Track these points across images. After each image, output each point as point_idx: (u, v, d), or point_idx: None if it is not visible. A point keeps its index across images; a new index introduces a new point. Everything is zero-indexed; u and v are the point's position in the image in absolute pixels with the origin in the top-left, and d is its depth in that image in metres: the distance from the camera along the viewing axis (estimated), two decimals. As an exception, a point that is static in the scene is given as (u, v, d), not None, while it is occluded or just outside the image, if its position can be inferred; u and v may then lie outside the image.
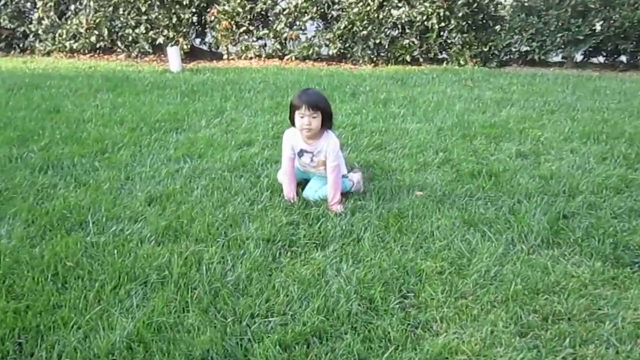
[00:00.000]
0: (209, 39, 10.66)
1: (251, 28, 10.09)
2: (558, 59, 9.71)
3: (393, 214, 3.24)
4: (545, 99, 6.35)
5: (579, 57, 9.65)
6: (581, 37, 9.14)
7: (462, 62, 9.37)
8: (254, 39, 10.17)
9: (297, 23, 9.91)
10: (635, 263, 2.81)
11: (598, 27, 9.19)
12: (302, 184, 3.63)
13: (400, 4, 9.46)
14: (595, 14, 9.08)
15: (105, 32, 10.29)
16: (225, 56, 10.22)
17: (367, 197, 3.49)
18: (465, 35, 9.42)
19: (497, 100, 6.27)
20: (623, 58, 9.52)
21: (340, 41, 9.70)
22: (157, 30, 10.17)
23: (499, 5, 9.73)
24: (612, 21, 8.96)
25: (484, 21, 9.69)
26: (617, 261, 2.82)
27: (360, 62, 9.66)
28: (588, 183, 3.76)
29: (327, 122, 3.43)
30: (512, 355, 2.14)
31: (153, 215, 3.19)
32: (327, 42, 9.82)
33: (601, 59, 9.69)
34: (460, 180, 3.82)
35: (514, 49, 9.59)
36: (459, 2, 9.25)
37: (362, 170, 3.80)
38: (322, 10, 9.80)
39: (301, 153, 3.51)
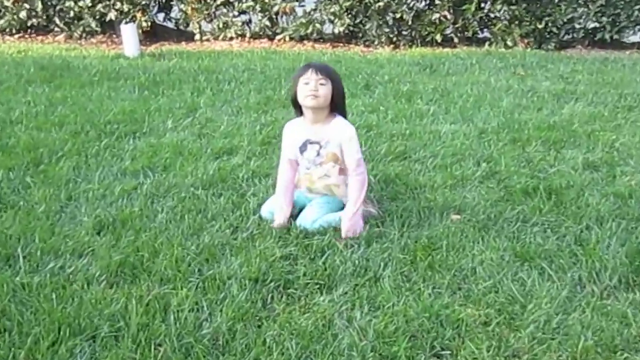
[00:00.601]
0: (175, 13, 10.71)
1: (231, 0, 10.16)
2: (636, 38, 9.74)
3: (421, 245, 3.24)
4: (620, 92, 6.39)
5: (665, 36, 9.72)
6: (667, 10, 9.22)
7: (509, 43, 9.40)
8: (235, 13, 10.23)
9: (293, -8, 10.00)
10: None
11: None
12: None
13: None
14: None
15: (39, 5, 10.35)
16: (197, 36, 10.26)
17: (386, 222, 3.50)
18: (513, 7, 9.48)
19: (557, 93, 6.31)
20: None
21: (349, 16, 9.75)
22: (108, 2, 10.23)
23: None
24: None
25: (539, -11, 9.76)
26: None
27: (376, 43, 9.70)
28: (681, 204, 3.78)
29: (338, 100, 3.51)
30: None
31: (104, 248, 3.19)
32: (332, 18, 9.86)
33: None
34: (510, 199, 3.83)
35: (577, 26, 9.63)
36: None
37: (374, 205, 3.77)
38: (326, -26, 9.89)
39: (304, 147, 3.55)
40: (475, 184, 4.06)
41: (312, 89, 3.39)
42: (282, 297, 2.84)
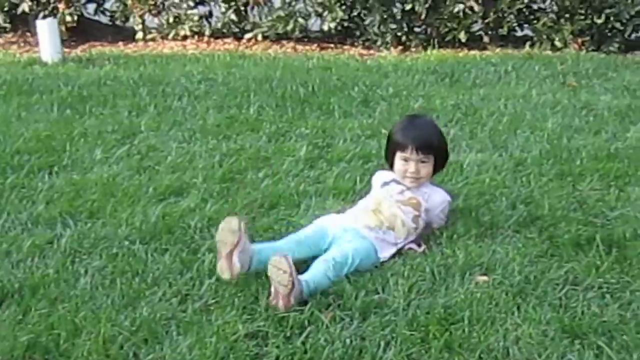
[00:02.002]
0: (111, 4, 10.77)
1: (185, -13, 10.26)
2: None
3: (436, 317, 3.24)
4: None
5: None
6: None
7: (558, 44, 9.49)
8: (191, 4, 10.30)
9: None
10: None
11: None
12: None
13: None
14: None
15: None
16: (139, 35, 10.33)
17: (389, 286, 3.50)
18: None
19: (621, 111, 6.34)
20: None
21: (344, 8, 9.83)
22: (20, -10, 10.31)
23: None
24: None
25: (596, -27, 9.88)
26: None
27: (379, 43, 9.78)
28: None
29: (440, 167, 4.21)
30: None
31: (7, 324, 3.17)
32: (320, 10, 9.95)
33: None
34: (557, 254, 3.83)
35: (648, 22, 9.75)
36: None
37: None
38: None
39: (388, 183, 4.13)
40: (509, 234, 4.06)
41: (412, 172, 4.02)
42: (247, 391, 2.85)
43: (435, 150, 4.08)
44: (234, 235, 3.44)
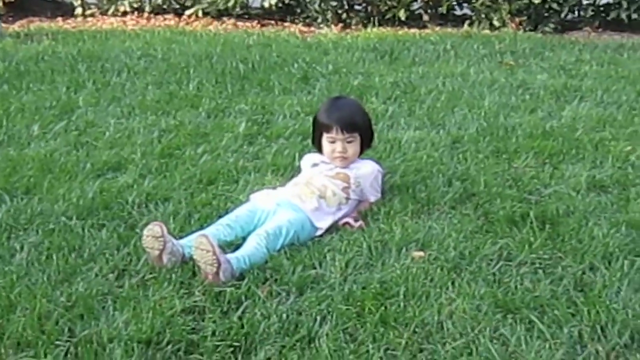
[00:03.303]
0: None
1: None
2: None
3: (371, 292, 3.25)
4: (638, 89, 6.51)
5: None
6: None
7: (496, 23, 9.56)
8: (130, -21, 10.21)
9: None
10: None
11: None
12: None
13: None
14: None
15: None
16: (78, 10, 10.22)
17: (325, 262, 3.51)
18: (502, -24, 9.67)
19: (557, 89, 6.41)
20: None
21: (284, -15, 9.82)
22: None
23: None
24: None
25: (534, -47, 9.94)
26: None
27: (319, 20, 9.78)
28: None
29: (366, 145, 4.24)
30: None
31: (-60, 301, 3.13)
32: (261, -13, 9.93)
33: None
34: (491, 230, 3.87)
35: (585, 2, 9.84)
36: None
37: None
38: None
39: (317, 164, 4.22)
40: (445, 210, 4.09)
41: (340, 152, 4.08)
42: (184, 366, 2.84)
43: (360, 129, 4.14)
44: (158, 241, 3.40)
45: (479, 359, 2.88)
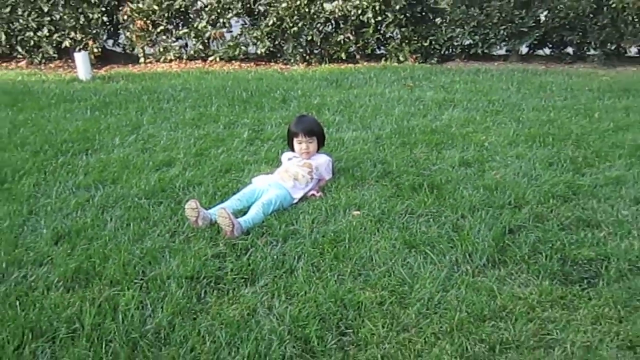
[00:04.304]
0: (122, 40, 10.46)
1: (169, 27, 9.99)
2: (502, 52, 10.00)
3: (329, 239, 3.26)
4: (489, 98, 6.53)
5: (524, 49, 9.97)
6: (525, 29, 9.46)
7: (401, 59, 9.53)
8: (173, 39, 10.07)
9: (221, 20, 9.86)
10: (584, 279, 2.93)
11: (542, 18, 9.55)
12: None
13: (332, -3, 9.58)
14: (539, 4, 9.42)
15: (2, 36, 9.97)
16: (141, 59, 10.05)
17: (299, 220, 3.50)
18: (403, 29, 9.60)
19: (439, 101, 6.40)
20: (569, 50, 9.89)
21: (269, 39, 9.70)
22: (63, 32, 9.92)
23: (439, -3, 9.97)
24: (556, 11, 9.31)
25: (424, 14, 9.88)
26: (565, 278, 2.93)
27: (292, 61, 9.69)
28: (534, 192, 3.89)
29: (322, 144, 4.24)
30: (459, 393, 2.19)
31: (61, 256, 3.10)
32: (255, 41, 9.82)
33: (547, 51, 10.04)
34: (401, 195, 3.87)
35: (456, 43, 9.81)
36: (396, -6, 9.42)
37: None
38: (248, 5, 9.79)
39: (292, 158, 4.12)
40: (372, 183, 4.08)
41: (304, 149, 4.07)
42: (213, 291, 2.82)
43: (317, 134, 4.15)
44: (194, 212, 3.38)
45: (395, 279, 2.90)
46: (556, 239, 3.28)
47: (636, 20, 9.19)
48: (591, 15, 9.34)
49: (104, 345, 2.41)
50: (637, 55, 9.80)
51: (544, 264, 3.03)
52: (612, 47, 9.61)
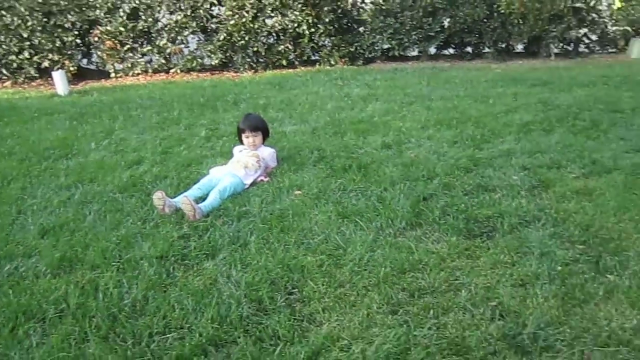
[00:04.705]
0: (95, 58, 10.13)
1: (135, 45, 9.73)
2: (415, 53, 10.11)
3: (275, 216, 3.25)
4: (405, 92, 6.59)
5: (432, 50, 10.10)
6: (433, 34, 9.60)
7: (332, 63, 9.53)
8: (139, 55, 9.80)
9: (179, 38, 9.66)
10: (483, 233, 3.01)
11: (446, 24, 9.69)
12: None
13: (272, 14, 9.48)
14: (443, 12, 9.56)
15: (-13, 61, 9.53)
16: (112, 74, 9.76)
17: (251, 202, 3.47)
18: (333, 38, 9.60)
19: (364, 96, 6.43)
20: (469, 49, 10.07)
21: (221, 51, 9.56)
22: (42, 54, 9.53)
23: (361, 10, 9.97)
24: (457, 18, 9.47)
25: (349, 25, 9.90)
26: (469, 233, 3.00)
27: (241, 69, 9.57)
28: (443, 166, 3.96)
29: (266, 137, 4.18)
30: (386, 333, 2.22)
31: (47, 248, 2.99)
32: (209, 54, 9.66)
33: (451, 51, 10.20)
34: (334, 175, 3.87)
35: (377, 47, 9.87)
36: (325, 9, 9.40)
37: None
38: (202, 24, 9.62)
39: (242, 150, 4.05)
40: (310, 167, 4.07)
41: (251, 142, 4.03)
42: (180, 267, 2.76)
43: (261, 129, 4.12)
44: (161, 201, 3.32)
45: (331, 245, 2.90)
46: (461, 202, 3.35)
47: (521, 23, 9.42)
48: (485, 20, 9.55)
49: (87, 321, 2.34)
50: (523, 51, 10.03)
51: (451, 223, 3.09)
52: (503, 45, 9.84)
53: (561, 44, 9.82)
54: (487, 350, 2.10)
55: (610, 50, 10.07)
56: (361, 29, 9.87)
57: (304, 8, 9.38)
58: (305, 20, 9.33)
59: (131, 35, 9.55)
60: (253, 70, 9.57)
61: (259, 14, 9.44)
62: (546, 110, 5.44)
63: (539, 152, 4.21)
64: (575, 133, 4.68)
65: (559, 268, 2.62)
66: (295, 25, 9.38)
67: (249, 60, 9.59)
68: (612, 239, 2.88)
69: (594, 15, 9.81)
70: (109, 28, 9.45)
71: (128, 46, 9.60)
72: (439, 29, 9.59)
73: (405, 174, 3.83)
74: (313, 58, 9.90)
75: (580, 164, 3.95)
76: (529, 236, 2.93)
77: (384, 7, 9.71)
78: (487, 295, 2.45)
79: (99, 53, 9.76)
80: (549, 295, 2.42)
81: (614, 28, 9.99)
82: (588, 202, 3.32)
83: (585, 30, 9.90)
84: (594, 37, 10.02)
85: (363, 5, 9.99)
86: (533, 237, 2.91)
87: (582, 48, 10.00)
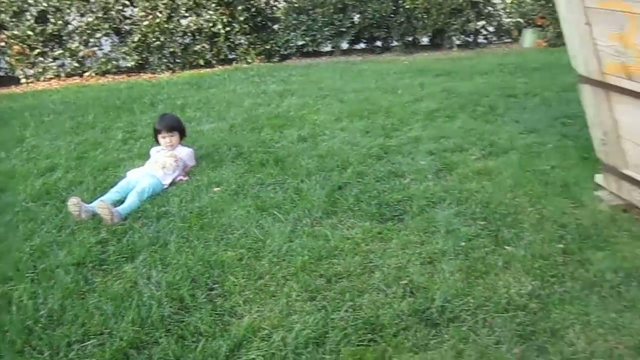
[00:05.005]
0: (3, 64, 9.45)
1: (46, 49, 9.14)
2: (329, 49, 10.16)
3: (195, 214, 3.18)
4: (319, 86, 6.62)
5: (345, 45, 10.19)
6: (344, 29, 9.68)
7: (249, 60, 9.40)
8: (50, 59, 9.22)
9: (92, 40, 9.19)
10: (395, 217, 3.09)
11: (356, 20, 9.81)
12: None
13: (187, 14, 9.23)
14: (352, 8, 9.67)
15: None
16: (23, 80, 9.15)
17: (170, 202, 3.38)
18: (248, 36, 9.47)
19: (280, 92, 6.39)
20: (378, 43, 10.26)
21: (137, 53, 9.18)
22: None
23: (274, 8, 9.90)
24: (366, 14, 9.61)
25: (263, 22, 9.79)
26: (381, 218, 3.07)
27: (158, 70, 9.24)
28: (356, 155, 4.02)
29: (183, 136, 4.05)
30: (305, 319, 2.24)
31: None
32: (124, 55, 9.25)
33: (362, 46, 10.34)
34: (252, 170, 3.83)
35: (291, 44, 9.83)
36: (239, 8, 9.26)
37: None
38: (115, 25, 9.19)
39: (160, 151, 3.90)
40: (229, 163, 4.00)
41: (167, 142, 3.89)
42: (99, 272, 2.66)
43: (177, 129, 3.98)
44: (76, 207, 3.17)
45: (250, 238, 2.88)
46: (373, 188, 3.42)
47: (425, 17, 9.70)
48: (392, 15, 9.74)
49: (1, 336, 2.20)
50: (428, 44, 10.34)
51: (365, 209, 3.15)
52: (410, 39, 10.09)
53: (462, 36, 10.20)
54: (400, 327, 2.16)
55: (505, 40, 10.56)
56: (276, 27, 9.81)
57: (218, 7, 9.20)
58: (220, 20, 9.15)
59: (40, 39, 8.97)
60: (170, 71, 9.27)
61: (173, 14, 9.16)
62: (449, 98, 5.65)
63: (444, 137, 4.37)
64: (476, 118, 4.89)
65: (463, 244, 2.74)
66: (211, 24, 9.18)
67: (165, 61, 9.28)
68: (509, 213, 3.04)
69: (490, 8, 10.26)
70: (15, 32, 8.85)
71: (38, 50, 9.03)
72: (349, 25, 9.69)
73: (321, 165, 3.86)
74: (230, 57, 9.71)
75: (481, 146, 4.13)
76: (436, 216, 3.04)
77: (296, 5, 9.69)
78: (398, 275, 2.52)
79: (7, 59, 9.13)
80: (454, 269, 2.52)
81: (508, 20, 10.50)
82: (488, 181, 3.48)
83: (483, 22, 10.34)
84: (491, 29, 10.49)
85: (276, 3, 9.93)
86: (440, 216, 3.03)
87: (480, 39, 10.44)
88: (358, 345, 2.08)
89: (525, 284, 2.41)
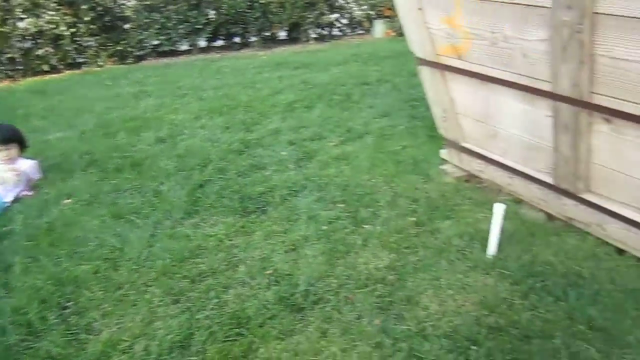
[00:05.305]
0: None
1: None
2: (186, 47, 9.87)
3: (43, 230, 2.91)
4: (177, 85, 6.39)
5: (203, 43, 9.96)
6: (200, 26, 9.45)
7: (100, 63, 8.84)
8: None
9: None
10: (258, 209, 3.08)
11: (212, 16, 9.62)
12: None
13: (23, 16, 8.43)
14: (207, 4, 9.46)
15: None
16: None
17: (14, 220, 3.06)
18: (97, 37, 8.88)
19: (135, 94, 6.08)
20: (236, 39, 10.17)
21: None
22: None
23: (123, 6, 9.39)
24: (222, 10, 9.46)
25: (112, 22, 9.25)
26: (244, 211, 3.04)
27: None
28: (217, 152, 3.95)
29: (24, 147, 3.69)
30: (169, 324, 2.15)
31: None
32: None
33: (220, 43, 10.19)
34: (107, 177, 3.61)
35: (145, 44, 9.40)
36: (83, 8, 8.66)
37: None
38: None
39: None
40: (79, 173, 3.71)
41: (5, 156, 3.53)
42: None
43: (15, 140, 3.63)
44: None
45: (107, 249, 2.71)
46: (235, 183, 3.38)
47: (280, 11, 9.79)
48: (248, 10, 9.69)
49: None
50: (286, 38, 10.46)
51: (227, 205, 3.10)
52: (267, 34, 10.13)
53: (317, 29, 10.46)
54: (266, 316, 2.16)
55: (358, 31, 11.01)
56: (126, 26, 9.31)
57: (59, 7, 8.52)
58: (63, 21, 8.49)
59: None
60: (10, 79, 8.44)
61: (7, 17, 8.33)
62: (307, 89, 5.75)
63: (303, 127, 4.44)
64: (333, 106, 5.03)
65: (324, 227, 2.80)
66: (53, 26, 8.48)
67: (3, 68, 8.43)
68: (366, 194, 3.17)
69: (341, 1, 10.63)
70: None
71: None
72: (205, 22, 9.49)
73: (181, 164, 3.74)
74: (79, 60, 9.05)
75: (338, 133, 4.26)
76: (298, 204, 3.08)
77: (147, 3, 9.28)
78: (263, 266, 2.51)
79: None
80: (317, 253, 2.57)
81: (360, 12, 10.96)
82: (346, 165, 3.60)
83: (336, 15, 10.69)
84: (344, 21, 10.87)
85: (125, 1, 9.42)
86: (301, 204, 3.07)
87: (335, 31, 10.78)
88: (224, 341, 2.04)
89: (382, 258, 2.52)
